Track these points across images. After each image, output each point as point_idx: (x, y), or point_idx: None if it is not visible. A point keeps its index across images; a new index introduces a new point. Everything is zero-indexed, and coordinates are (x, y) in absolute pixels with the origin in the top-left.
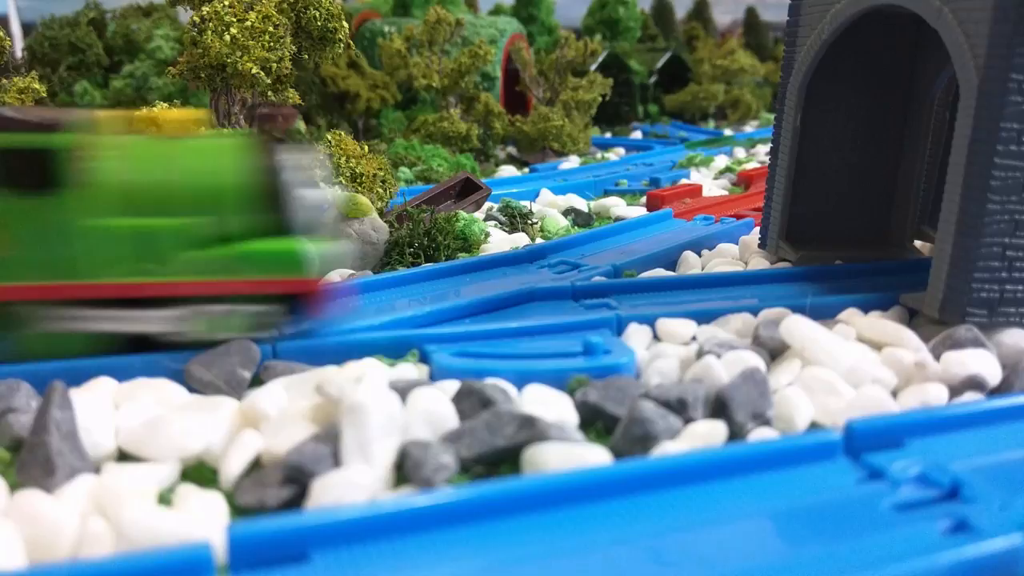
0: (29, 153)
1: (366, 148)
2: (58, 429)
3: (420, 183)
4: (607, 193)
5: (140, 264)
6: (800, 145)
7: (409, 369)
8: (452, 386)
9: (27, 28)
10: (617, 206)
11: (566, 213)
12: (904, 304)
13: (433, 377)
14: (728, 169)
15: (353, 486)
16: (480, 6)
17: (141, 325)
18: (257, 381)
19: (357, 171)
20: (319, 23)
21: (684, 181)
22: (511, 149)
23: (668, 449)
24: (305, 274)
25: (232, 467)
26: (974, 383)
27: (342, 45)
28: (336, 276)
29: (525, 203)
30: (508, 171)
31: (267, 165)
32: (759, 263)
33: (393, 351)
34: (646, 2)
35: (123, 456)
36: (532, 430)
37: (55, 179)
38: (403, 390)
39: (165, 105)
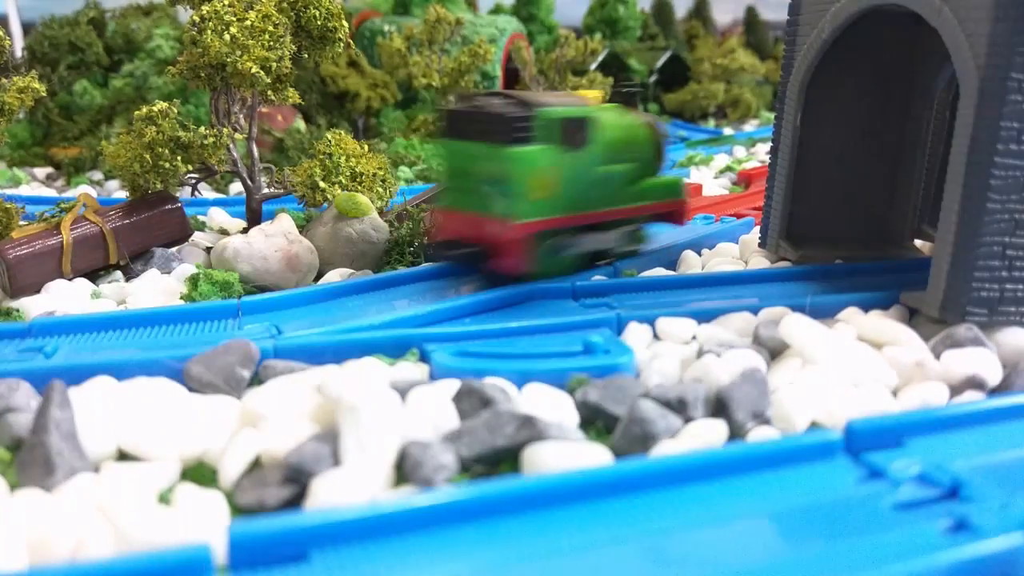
0: (576, 120)
1: (366, 147)
2: (58, 429)
3: (420, 183)
4: None
5: (611, 197)
6: (800, 144)
7: (409, 369)
8: (452, 386)
9: (27, 28)
10: None
11: None
12: (904, 303)
13: (433, 377)
14: (728, 168)
15: (353, 486)
16: (480, 5)
17: (604, 244)
18: (257, 381)
19: (357, 170)
20: (319, 22)
21: (684, 180)
22: None
23: (668, 449)
24: (683, 197)
25: (232, 467)
26: (974, 382)
27: (342, 44)
28: (336, 276)
29: None
30: None
31: (651, 124)
32: (759, 262)
33: (393, 350)
34: (646, 1)
35: (123, 456)
36: (532, 429)
37: (586, 139)
38: (403, 390)
39: (165, 104)
